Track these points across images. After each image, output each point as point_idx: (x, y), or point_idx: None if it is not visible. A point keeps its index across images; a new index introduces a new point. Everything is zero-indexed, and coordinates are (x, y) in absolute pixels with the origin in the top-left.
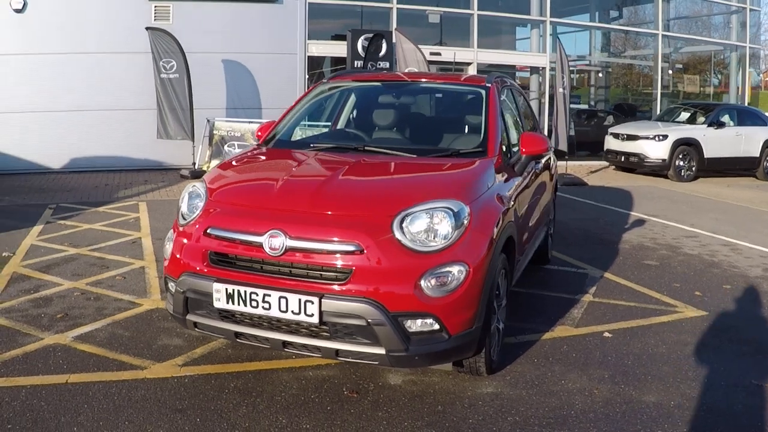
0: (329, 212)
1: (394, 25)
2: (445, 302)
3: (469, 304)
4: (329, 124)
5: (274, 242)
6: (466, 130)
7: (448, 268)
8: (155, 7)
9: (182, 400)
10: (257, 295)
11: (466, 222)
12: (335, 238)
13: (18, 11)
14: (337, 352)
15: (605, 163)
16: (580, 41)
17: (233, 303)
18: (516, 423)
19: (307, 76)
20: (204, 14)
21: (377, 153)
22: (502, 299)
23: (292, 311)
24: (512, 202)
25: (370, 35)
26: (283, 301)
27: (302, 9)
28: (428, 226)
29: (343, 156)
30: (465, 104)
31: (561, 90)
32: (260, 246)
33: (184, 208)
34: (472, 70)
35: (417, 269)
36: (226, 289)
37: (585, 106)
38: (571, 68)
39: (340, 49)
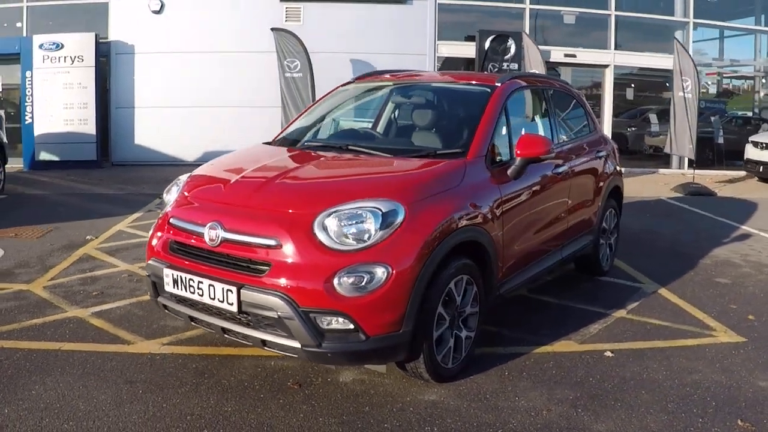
0: (262, 208)
1: (527, 26)
2: (361, 302)
3: (392, 306)
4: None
5: (212, 233)
6: (458, 131)
7: (366, 268)
8: (287, 8)
9: (139, 374)
10: (194, 281)
11: (397, 223)
12: (259, 233)
13: (156, 12)
14: (264, 342)
15: (743, 173)
16: (744, 45)
17: (178, 288)
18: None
19: None
20: (333, 15)
21: (357, 152)
22: (466, 307)
23: (218, 299)
24: (493, 207)
25: (494, 36)
26: (211, 288)
27: (432, 9)
28: (349, 225)
29: (318, 154)
30: (466, 105)
31: (681, 94)
32: (202, 236)
33: (166, 198)
34: (609, 74)
35: (330, 267)
36: (173, 274)
37: (744, 113)
38: (733, 72)
39: (471, 50)
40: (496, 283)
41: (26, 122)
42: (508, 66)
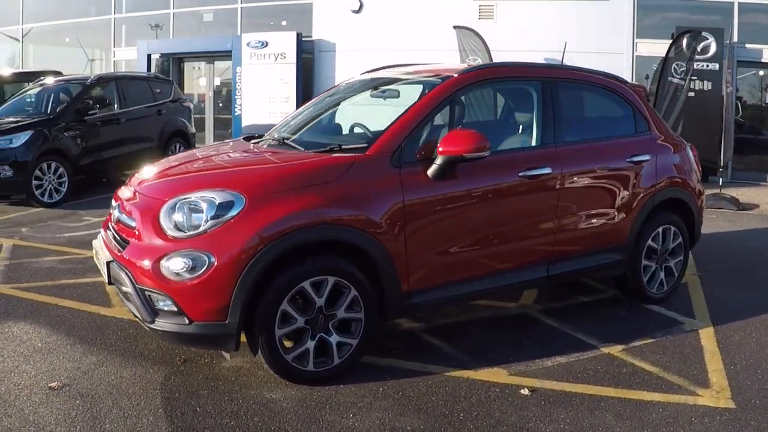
0: (147, 195)
1: (736, 22)
2: (183, 287)
3: (214, 295)
4: None
5: (114, 213)
6: (380, 126)
7: (191, 255)
8: (480, 6)
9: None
10: (98, 255)
11: (231, 214)
12: (129, 215)
13: (355, 12)
14: (135, 314)
15: None
16: None
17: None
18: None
19: (633, 78)
20: (527, 12)
21: (287, 147)
22: (337, 311)
23: (103, 271)
24: (390, 208)
25: (685, 32)
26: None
27: (630, 5)
28: (186, 213)
29: (249, 149)
30: (408, 99)
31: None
32: (111, 215)
33: None
34: None
35: (161, 250)
36: (94, 246)
37: None
38: None
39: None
40: (403, 292)
41: (236, 113)
42: (706, 66)
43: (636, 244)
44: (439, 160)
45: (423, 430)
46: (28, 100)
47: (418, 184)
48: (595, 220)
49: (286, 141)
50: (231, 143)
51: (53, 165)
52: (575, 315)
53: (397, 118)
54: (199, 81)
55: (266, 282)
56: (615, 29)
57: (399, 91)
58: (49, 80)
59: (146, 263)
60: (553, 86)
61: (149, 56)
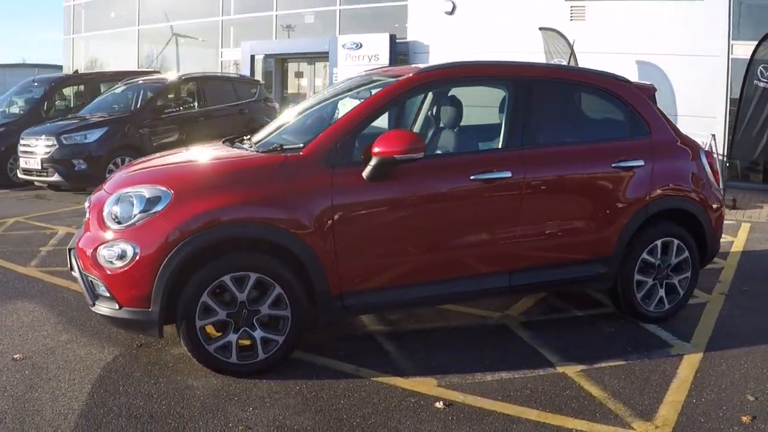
0: (104, 189)
1: None
2: (113, 275)
3: (138, 284)
4: None
5: (85, 204)
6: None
7: (120, 246)
8: (571, 6)
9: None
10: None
11: (158, 208)
12: (89, 209)
13: (448, 13)
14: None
15: None
16: None
17: None
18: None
19: (729, 82)
20: (619, 13)
21: (239, 146)
22: (261, 306)
23: (67, 259)
24: (318, 209)
25: None
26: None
27: (725, 5)
28: (121, 206)
29: (219, 148)
30: (361, 101)
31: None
32: None
33: None
34: None
35: (99, 240)
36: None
37: None
38: None
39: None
40: (333, 294)
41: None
42: None
43: (626, 257)
44: (372, 161)
45: (310, 431)
46: (114, 97)
47: (351, 186)
48: (570, 229)
49: (250, 141)
50: (213, 144)
51: (127, 160)
52: (556, 329)
53: (338, 119)
54: (300, 81)
55: (188, 274)
56: (710, 30)
57: (372, 92)
58: (136, 80)
59: (89, 251)
60: (527, 86)
61: (252, 57)
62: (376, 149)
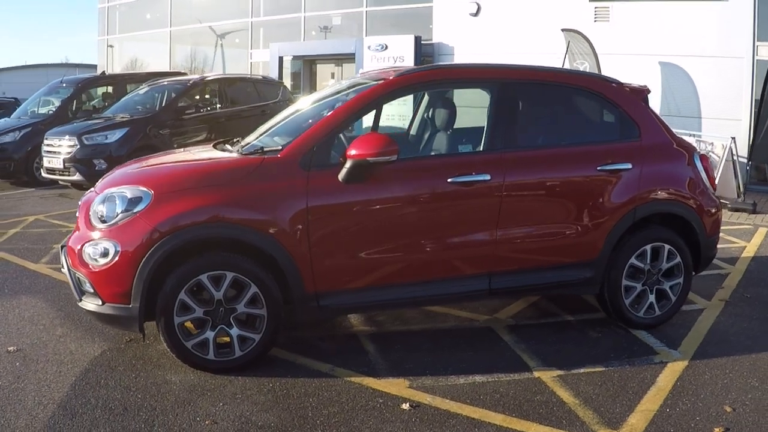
0: (94, 190)
1: None
2: (96, 272)
3: (119, 281)
4: None
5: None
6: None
7: (103, 244)
8: (595, 7)
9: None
10: None
11: (139, 208)
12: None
13: (473, 15)
14: None
15: None
16: None
17: None
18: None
19: (754, 84)
20: (643, 14)
21: (225, 149)
22: (237, 305)
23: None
24: (293, 210)
25: None
26: None
27: (750, 6)
28: (106, 205)
29: (202, 149)
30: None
31: None
32: None
33: None
34: None
35: (85, 238)
36: None
37: None
38: None
39: None
40: (309, 294)
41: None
42: None
43: (613, 261)
44: (347, 164)
45: (275, 427)
46: (138, 98)
47: (326, 188)
48: (552, 233)
49: (239, 143)
50: (203, 146)
51: None
52: (542, 334)
53: (316, 122)
54: (328, 82)
55: (167, 272)
56: (735, 31)
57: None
58: (160, 81)
59: (76, 249)
60: (510, 89)
61: (281, 58)
62: (350, 152)
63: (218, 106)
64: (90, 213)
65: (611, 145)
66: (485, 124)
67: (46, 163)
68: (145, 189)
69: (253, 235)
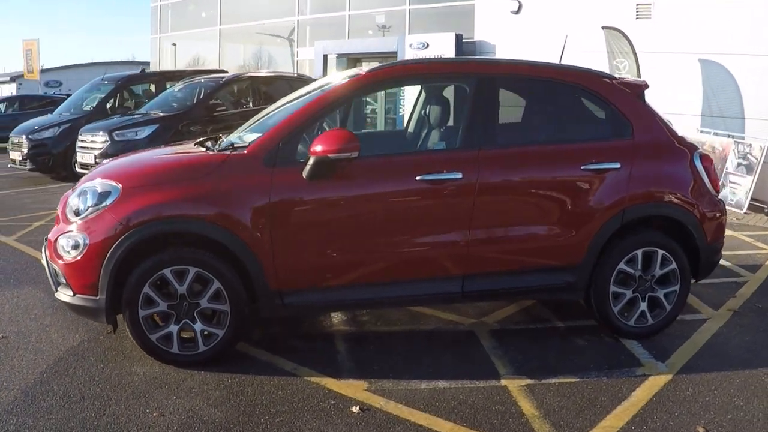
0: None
1: None
2: (67, 263)
3: (87, 273)
4: None
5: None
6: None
7: (74, 237)
8: (637, 5)
9: None
10: None
11: (107, 202)
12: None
13: (514, 13)
14: None
15: None
16: None
17: None
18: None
19: None
20: (686, 10)
21: (202, 144)
22: (200, 299)
23: None
24: (254, 207)
25: None
26: None
27: None
28: (78, 199)
29: (181, 148)
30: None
31: None
32: None
33: None
34: None
35: (60, 231)
36: None
37: None
38: None
39: None
40: (272, 291)
41: (400, 113)
42: None
43: (600, 266)
44: (310, 161)
45: (218, 423)
46: (174, 95)
47: (290, 185)
48: (531, 235)
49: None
50: (185, 143)
51: None
52: (525, 340)
53: (284, 118)
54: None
55: (133, 265)
56: None
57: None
58: (196, 78)
59: (52, 241)
60: (489, 84)
61: (325, 56)
62: (312, 148)
63: (251, 103)
64: (66, 206)
65: (599, 144)
66: (461, 121)
67: (79, 158)
68: (114, 183)
69: (214, 231)
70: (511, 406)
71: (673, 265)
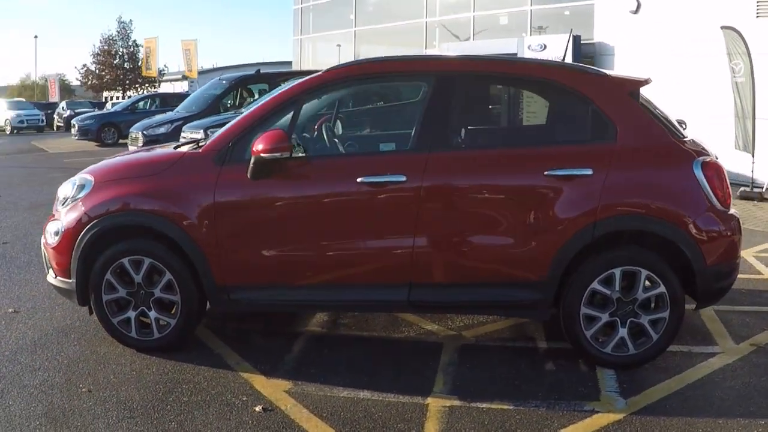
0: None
1: None
2: (51, 247)
3: (62, 258)
4: None
5: None
6: None
7: (56, 224)
8: (757, 2)
9: None
10: None
11: (82, 194)
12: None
13: (633, 12)
14: None
15: None
16: None
17: None
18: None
19: None
20: None
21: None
22: (154, 289)
23: None
24: (201, 204)
25: None
26: None
27: None
28: (65, 190)
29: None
30: None
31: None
32: None
33: None
34: None
35: (50, 218)
36: None
37: None
38: None
39: None
40: (219, 286)
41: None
42: None
43: (568, 284)
44: (252, 160)
45: (129, 404)
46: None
47: (234, 184)
48: (484, 246)
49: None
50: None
51: None
52: (491, 359)
53: (237, 118)
54: None
55: (98, 253)
56: None
57: None
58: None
59: (44, 227)
60: (447, 83)
61: None
62: (252, 148)
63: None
64: (57, 197)
65: (570, 147)
66: (415, 122)
67: None
68: (89, 178)
69: (163, 225)
70: (414, 426)
71: (661, 289)
